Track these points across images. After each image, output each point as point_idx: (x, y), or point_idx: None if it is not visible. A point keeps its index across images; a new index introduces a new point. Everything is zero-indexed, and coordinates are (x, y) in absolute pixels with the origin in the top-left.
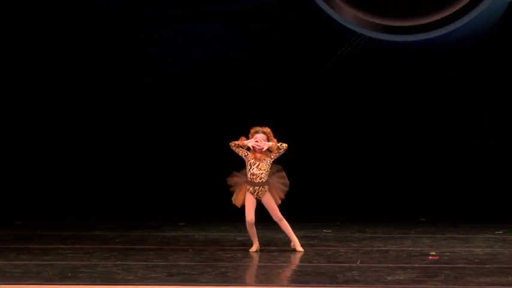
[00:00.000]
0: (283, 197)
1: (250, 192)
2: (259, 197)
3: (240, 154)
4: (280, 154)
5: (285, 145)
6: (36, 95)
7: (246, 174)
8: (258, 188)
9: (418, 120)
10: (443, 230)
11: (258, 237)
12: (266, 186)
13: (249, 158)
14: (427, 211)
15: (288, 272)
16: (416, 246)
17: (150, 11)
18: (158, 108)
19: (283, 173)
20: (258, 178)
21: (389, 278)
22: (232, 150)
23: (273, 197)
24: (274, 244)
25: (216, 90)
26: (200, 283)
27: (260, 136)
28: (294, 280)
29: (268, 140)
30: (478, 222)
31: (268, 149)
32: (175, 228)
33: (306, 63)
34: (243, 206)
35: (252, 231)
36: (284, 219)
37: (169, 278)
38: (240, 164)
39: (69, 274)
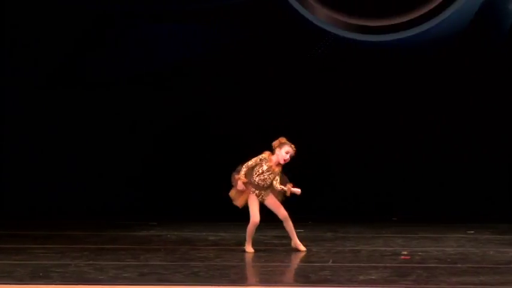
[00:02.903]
0: (281, 199)
1: (256, 194)
2: (263, 199)
3: (262, 163)
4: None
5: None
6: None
7: (248, 175)
8: (263, 191)
9: (393, 119)
10: (415, 230)
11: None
12: (269, 189)
13: (265, 163)
14: (399, 210)
15: (260, 272)
16: (389, 245)
17: (121, 10)
18: (129, 109)
19: (286, 179)
20: (266, 184)
21: (361, 277)
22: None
23: (275, 195)
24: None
25: (190, 90)
26: (172, 283)
27: (289, 149)
28: (266, 280)
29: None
30: (450, 222)
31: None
32: (147, 227)
33: (279, 63)
34: (233, 205)
35: (253, 233)
36: (289, 218)
37: (141, 278)
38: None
39: (41, 274)
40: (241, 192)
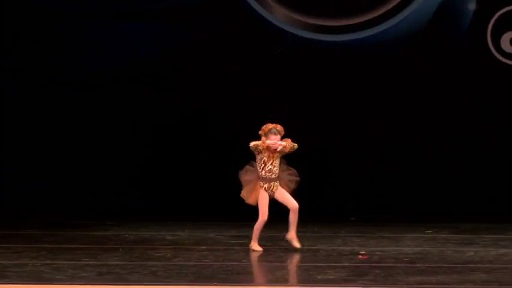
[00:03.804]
0: (295, 186)
1: (265, 189)
2: (273, 192)
3: (255, 153)
4: (289, 152)
5: (296, 146)
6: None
7: (255, 171)
8: (272, 183)
9: (349, 119)
10: (373, 230)
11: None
12: (278, 181)
13: (263, 155)
14: (357, 210)
15: (217, 271)
16: (347, 245)
17: (79, 9)
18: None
19: (287, 166)
20: (273, 174)
21: (319, 277)
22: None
23: (284, 186)
24: (204, 243)
25: (147, 89)
26: (130, 282)
27: (274, 137)
28: (223, 279)
29: (281, 137)
30: (407, 221)
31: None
32: (105, 227)
33: (237, 63)
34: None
35: (260, 231)
36: (297, 211)
37: (99, 278)
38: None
39: None
40: (251, 190)
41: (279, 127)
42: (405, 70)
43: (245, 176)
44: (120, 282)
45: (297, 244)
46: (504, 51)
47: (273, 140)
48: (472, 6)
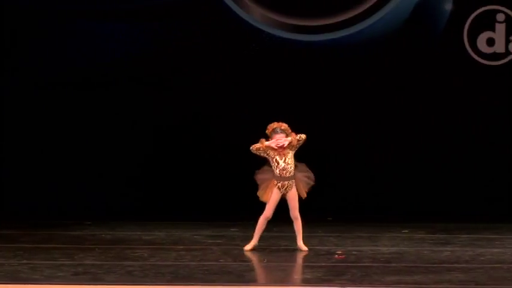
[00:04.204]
0: (307, 191)
1: (278, 187)
2: (287, 191)
3: (262, 155)
4: (300, 145)
5: (303, 136)
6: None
7: (271, 171)
8: (287, 182)
9: (325, 119)
10: (350, 229)
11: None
12: (293, 180)
13: (273, 155)
14: (334, 210)
15: (195, 271)
16: (323, 245)
17: (57, 9)
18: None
19: (306, 168)
20: (288, 172)
21: (296, 276)
22: (253, 153)
23: (299, 191)
24: (181, 243)
25: (125, 89)
26: (107, 282)
27: (279, 136)
28: (200, 279)
29: (287, 135)
30: (384, 221)
31: (289, 144)
32: (82, 227)
33: (214, 62)
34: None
35: (262, 228)
36: (299, 219)
37: (75, 277)
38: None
39: None
40: (266, 188)
41: (283, 126)
42: (382, 70)
43: (261, 175)
44: (97, 282)
45: (303, 248)
46: (480, 51)
47: (278, 138)
48: (448, 6)
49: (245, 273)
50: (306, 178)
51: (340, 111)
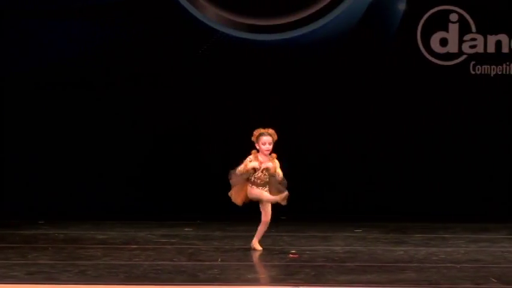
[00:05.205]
0: (281, 197)
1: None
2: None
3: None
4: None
5: (281, 175)
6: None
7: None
8: (260, 188)
9: (277, 119)
10: (303, 229)
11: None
12: (267, 186)
13: (254, 163)
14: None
15: (148, 270)
16: (277, 244)
17: (14, 7)
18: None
19: (284, 179)
20: (262, 181)
21: (249, 276)
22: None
23: (272, 196)
24: (134, 242)
25: (84, 87)
26: (60, 281)
27: (266, 139)
28: (154, 278)
29: (273, 139)
30: (337, 220)
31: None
32: (35, 226)
33: (167, 62)
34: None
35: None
36: (268, 225)
37: (28, 277)
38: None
39: None
40: (240, 191)
41: (270, 131)
42: (335, 70)
43: (235, 177)
44: (50, 281)
45: (258, 247)
46: (434, 51)
47: (264, 142)
48: (402, 6)
49: (199, 273)
50: (279, 184)
51: (292, 111)
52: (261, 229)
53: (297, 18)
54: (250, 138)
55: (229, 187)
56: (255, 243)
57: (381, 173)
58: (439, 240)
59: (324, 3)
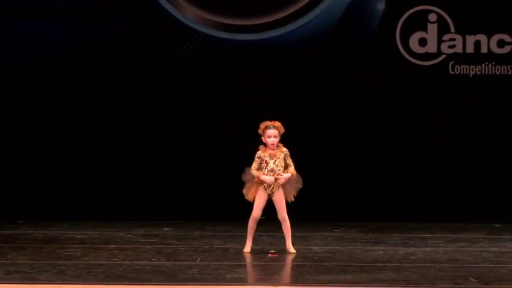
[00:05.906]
0: (295, 194)
1: (264, 187)
2: (273, 192)
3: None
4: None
5: (294, 173)
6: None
7: (259, 170)
8: (273, 184)
9: (258, 119)
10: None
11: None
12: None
13: (263, 157)
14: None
15: (128, 270)
16: (256, 244)
17: None
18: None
19: (298, 175)
20: (276, 174)
21: (229, 276)
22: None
23: (286, 193)
24: (113, 242)
25: (59, 87)
26: (39, 281)
27: (271, 132)
28: (133, 278)
29: (279, 132)
30: (316, 220)
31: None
32: (14, 226)
33: (146, 61)
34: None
35: (253, 229)
36: (288, 221)
37: (7, 276)
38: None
39: None
40: (251, 187)
41: (276, 123)
42: (314, 70)
43: (248, 174)
44: (29, 281)
45: (292, 250)
46: (413, 51)
47: (270, 135)
48: (381, 6)
49: (178, 273)
50: (294, 181)
51: (272, 110)
52: (284, 231)
53: (276, 18)
54: (236, 140)
55: (225, 187)
56: (288, 247)
57: (354, 173)
58: (418, 240)
59: (303, 3)
